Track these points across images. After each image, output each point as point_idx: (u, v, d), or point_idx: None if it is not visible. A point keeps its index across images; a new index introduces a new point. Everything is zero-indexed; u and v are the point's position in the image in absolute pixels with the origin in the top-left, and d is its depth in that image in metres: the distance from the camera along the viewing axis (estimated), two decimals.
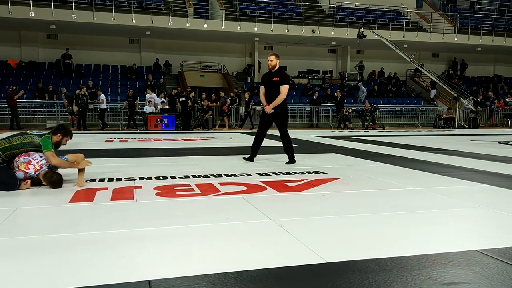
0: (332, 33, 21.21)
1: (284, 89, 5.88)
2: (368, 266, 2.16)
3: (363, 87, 21.59)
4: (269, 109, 5.90)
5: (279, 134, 6.22)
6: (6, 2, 16.95)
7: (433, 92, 23.00)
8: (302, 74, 23.48)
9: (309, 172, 5.21)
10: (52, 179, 4.11)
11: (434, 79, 22.11)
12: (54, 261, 2.21)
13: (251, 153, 6.29)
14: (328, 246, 2.46)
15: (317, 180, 4.66)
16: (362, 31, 19.46)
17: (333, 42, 22.36)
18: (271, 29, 20.40)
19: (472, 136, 13.16)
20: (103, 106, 16.06)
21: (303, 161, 6.51)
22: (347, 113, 17.43)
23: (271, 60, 5.91)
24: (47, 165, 4.18)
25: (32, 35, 20.43)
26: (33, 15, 17.29)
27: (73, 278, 1.98)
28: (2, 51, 19.97)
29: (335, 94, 19.32)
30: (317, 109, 19.34)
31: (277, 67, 5.96)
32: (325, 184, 4.47)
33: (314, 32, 20.97)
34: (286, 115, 6.25)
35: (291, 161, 6.10)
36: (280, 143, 6.40)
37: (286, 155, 6.20)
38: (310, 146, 9.32)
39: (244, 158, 6.30)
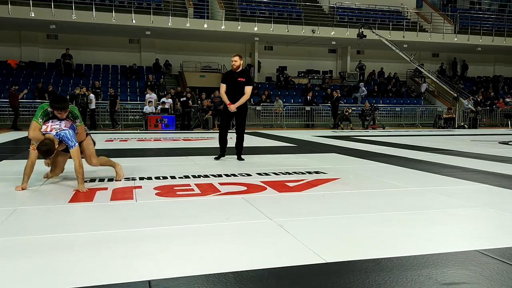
0: (332, 33, 21.21)
1: (249, 89, 6.25)
2: (368, 266, 2.16)
3: (364, 87, 21.61)
4: (233, 107, 6.17)
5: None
6: (6, 2, 16.95)
7: (424, 86, 23.20)
8: (302, 74, 23.49)
9: (309, 172, 5.21)
10: (40, 147, 3.93)
11: (434, 79, 22.11)
12: (53, 261, 2.21)
13: (221, 151, 6.54)
14: (328, 246, 2.46)
15: (317, 180, 4.65)
16: (362, 31, 19.46)
17: (333, 42, 22.36)
18: (271, 29, 20.40)
19: (472, 136, 13.16)
20: (92, 106, 16.04)
21: (303, 161, 6.51)
22: (347, 113, 17.43)
23: (235, 61, 6.20)
24: (57, 132, 4.04)
25: (32, 35, 20.43)
26: (33, 15, 17.29)
27: (72, 278, 1.98)
28: (2, 51, 19.97)
29: (333, 94, 19.34)
30: (309, 108, 19.33)
31: (240, 67, 6.29)
32: (325, 184, 4.47)
33: (314, 32, 20.97)
34: (246, 113, 6.59)
35: (241, 157, 6.45)
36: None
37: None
38: (310, 146, 9.32)
39: (215, 158, 6.48)
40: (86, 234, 2.70)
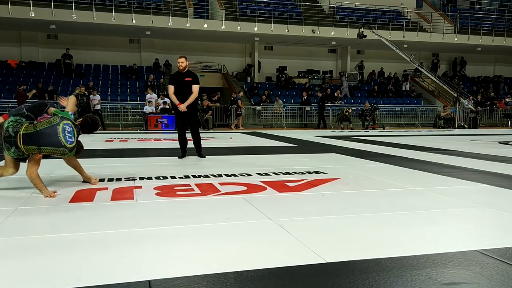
0: (332, 33, 21.21)
1: (196, 88, 6.41)
2: (368, 266, 2.16)
3: (345, 82, 21.81)
4: (183, 107, 6.34)
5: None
6: (6, 2, 16.94)
7: (408, 85, 23.37)
8: (302, 74, 23.50)
9: (309, 172, 5.21)
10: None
11: (434, 79, 22.11)
12: (54, 261, 2.21)
13: (182, 150, 6.69)
14: (328, 246, 2.46)
15: (317, 180, 4.65)
16: (362, 31, 19.47)
17: (333, 42, 22.36)
18: (271, 29, 20.40)
19: (472, 136, 13.16)
20: (98, 106, 16.07)
21: (303, 161, 6.51)
22: (347, 113, 17.43)
23: (182, 62, 6.35)
24: None
25: (32, 35, 20.43)
26: (33, 15, 17.29)
27: (73, 278, 1.98)
28: (2, 51, 19.96)
29: (317, 94, 19.38)
30: (309, 108, 19.33)
31: (186, 68, 6.48)
32: (325, 184, 4.47)
33: (314, 32, 20.97)
34: (197, 113, 6.84)
35: (201, 155, 6.65)
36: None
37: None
38: (310, 146, 9.32)
39: (178, 157, 6.59)
40: (87, 234, 2.70)
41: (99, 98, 16.30)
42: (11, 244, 2.50)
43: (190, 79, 6.41)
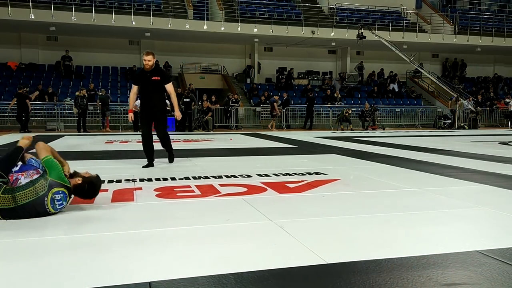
0: (332, 34, 21.22)
1: (171, 87, 5.67)
2: (369, 267, 2.16)
3: (337, 82, 22.25)
4: (179, 115, 5.98)
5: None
6: (6, 4, 16.95)
7: (395, 86, 23.34)
8: (302, 75, 23.51)
9: (309, 173, 5.21)
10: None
11: (434, 80, 22.12)
12: (53, 263, 2.21)
13: (148, 158, 5.77)
14: (329, 247, 2.46)
15: (317, 181, 4.65)
16: (362, 32, 19.48)
17: (333, 43, 22.38)
18: (271, 30, 20.41)
19: (472, 136, 13.16)
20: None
21: (303, 162, 6.51)
22: (347, 114, 17.43)
23: (148, 60, 5.41)
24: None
25: (32, 37, 20.44)
26: (33, 17, 17.29)
27: (72, 280, 1.98)
28: (2, 52, 19.96)
29: (308, 94, 19.40)
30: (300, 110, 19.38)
31: (153, 66, 5.54)
32: (325, 185, 4.47)
33: (313, 33, 20.99)
34: (166, 116, 5.99)
35: (172, 158, 6.11)
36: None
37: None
38: (309, 147, 9.32)
39: (143, 167, 5.66)
40: (86, 235, 2.70)
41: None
42: (10, 246, 2.50)
43: (158, 78, 5.51)
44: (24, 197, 3.01)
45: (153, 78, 5.47)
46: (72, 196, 3.28)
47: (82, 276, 2.03)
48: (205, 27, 19.69)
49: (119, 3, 19.34)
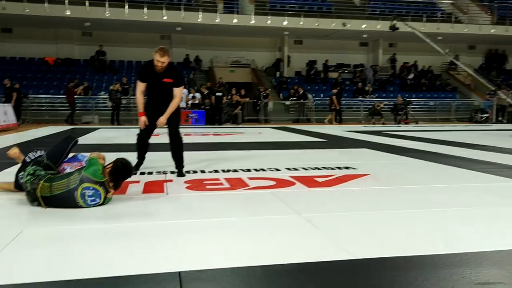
0: (363, 26, 20.81)
1: (180, 92, 4.70)
2: (399, 263, 2.12)
3: (370, 74, 21.77)
4: (164, 120, 4.55)
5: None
6: (43, 1, 17.54)
7: (411, 75, 22.56)
8: (333, 68, 23.21)
9: (339, 168, 5.16)
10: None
11: (471, 72, 21.36)
12: (84, 251, 2.28)
13: (140, 158, 4.87)
14: (357, 242, 2.43)
15: (347, 176, 4.60)
16: (395, 24, 19.00)
17: (365, 35, 21.95)
18: (301, 23, 20.22)
19: (511, 131, 12.66)
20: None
21: (333, 156, 6.45)
22: (378, 107, 17.10)
23: (163, 62, 4.47)
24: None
25: (68, 32, 21.05)
26: (68, 13, 17.82)
27: (103, 268, 2.04)
28: (40, 48, 20.67)
29: (299, 89, 19.09)
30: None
31: (166, 67, 4.60)
32: (355, 180, 4.41)
33: (344, 25, 20.64)
34: (180, 114, 4.93)
35: (181, 173, 4.65)
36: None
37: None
38: (340, 141, 9.22)
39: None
40: (119, 225, 2.77)
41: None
42: (47, 234, 2.60)
43: (171, 80, 4.57)
44: (58, 188, 3.14)
45: (165, 80, 4.56)
46: (111, 192, 3.29)
47: (112, 264, 2.09)
48: (235, 20, 19.71)
49: None
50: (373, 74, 22.75)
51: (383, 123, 16.88)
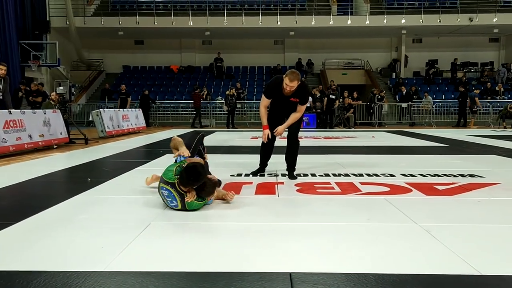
0: (494, 20, 18.81)
1: (303, 108, 4.76)
2: None
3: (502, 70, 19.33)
4: (281, 130, 4.73)
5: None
6: (170, 13, 19.32)
7: (503, 71, 19.30)
8: (456, 67, 21.40)
9: (462, 175, 4.74)
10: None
11: None
12: (199, 246, 2.44)
13: (262, 163, 5.09)
14: (483, 257, 2.21)
15: (472, 184, 4.21)
16: None
17: (495, 30, 19.81)
18: (421, 20, 19.05)
19: None
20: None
21: (455, 162, 5.95)
22: (511, 110, 15.29)
23: (291, 87, 4.38)
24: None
25: (190, 42, 22.85)
26: (191, 23, 19.34)
27: (218, 263, 2.16)
28: (166, 57, 22.78)
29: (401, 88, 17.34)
30: (405, 105, 17.45)
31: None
32: (481, 189, 4.01)
33: (471, 20, 18.90)
34: (302, 119, 4.97)
35: (292, 175, 4.72)
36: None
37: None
38: (463, 146, 8.46)
39: (252, 173, 5.00)
40: (233, 224, 2.92)
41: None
42: (168, 230, 2.85)
43: (297, 100, 4.61)
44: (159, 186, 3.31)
45: (292, 99, 4.62)
46: (189, 197, 3.13)
47: (227, 260, 2.21)
48: (349, 22, 19.37)
49: (266, 5, 20.28)
50: (506, 72, 20.42)
51: None
